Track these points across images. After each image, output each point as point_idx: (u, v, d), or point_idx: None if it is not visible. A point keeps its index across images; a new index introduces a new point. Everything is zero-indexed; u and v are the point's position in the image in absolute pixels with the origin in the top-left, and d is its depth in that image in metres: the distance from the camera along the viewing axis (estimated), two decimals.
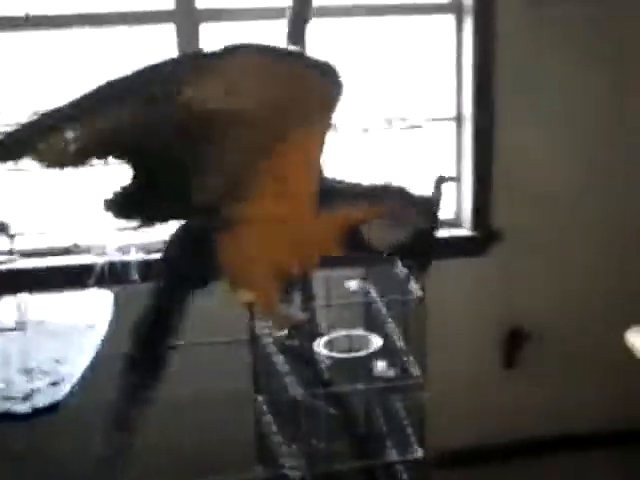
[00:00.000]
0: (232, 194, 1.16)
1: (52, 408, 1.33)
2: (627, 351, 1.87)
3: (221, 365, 2.02)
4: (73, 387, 1.37)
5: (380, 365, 1.77)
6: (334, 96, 1.12)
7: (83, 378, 1.37)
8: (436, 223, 1.28)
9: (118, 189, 1.14)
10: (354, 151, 1.51)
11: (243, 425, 1.78)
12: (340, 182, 1.25)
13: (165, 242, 1.27)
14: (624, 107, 2.45)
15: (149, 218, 1.18)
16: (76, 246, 2.23)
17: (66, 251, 2.29)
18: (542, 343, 2.59)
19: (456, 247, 2.50)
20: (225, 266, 1.22)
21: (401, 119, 1.50)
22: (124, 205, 1.14)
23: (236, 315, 1.66)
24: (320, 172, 1.21)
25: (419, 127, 1.43)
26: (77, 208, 2.28)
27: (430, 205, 1.26)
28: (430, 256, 1.30)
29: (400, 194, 1.22)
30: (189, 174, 1.12)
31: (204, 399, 2.12)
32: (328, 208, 1.20)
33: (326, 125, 1.16)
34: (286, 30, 1.63)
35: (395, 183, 1.25)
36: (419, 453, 1.58)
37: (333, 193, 1.21)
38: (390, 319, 1.73)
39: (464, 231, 2.53)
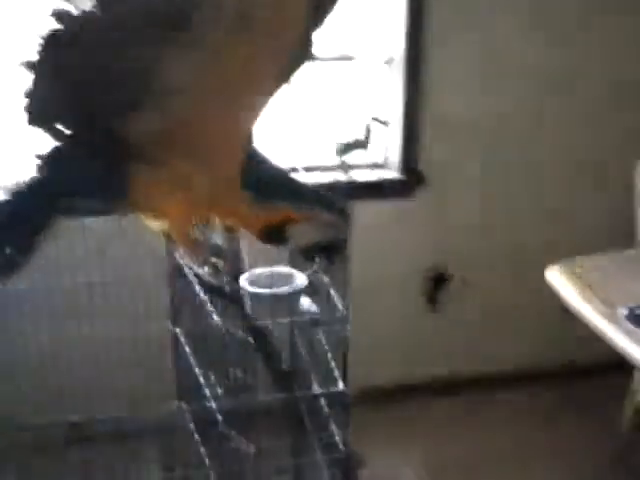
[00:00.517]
0: (162, 138, 1.11)
1: None
2: (548, 290, 1.91)
3: (142, 301, 1.98)
4: None
5: (305, 301, 1.77)
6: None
7: None
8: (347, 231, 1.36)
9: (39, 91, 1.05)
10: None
11: (165, 360, 1.76)
12: (280, 175, 1.28)
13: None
14: (549, 45, 2.47)
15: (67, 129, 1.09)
16: None
17: None
18: (465, 285, 2.64)
19: (384, 189, 2.50)
20: (137, 193, 1.17)
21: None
22: (47, 108, 1.06)
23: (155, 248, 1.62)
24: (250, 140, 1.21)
25: (351, 59, 1.40)
26: None
27: (346, 211, 1.33)
28: (334, 260, 1.38)
29: (326, 201, 1.29)
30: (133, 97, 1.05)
31: (125, 334, 2.08)
32: (266, 203, 1.22)
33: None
34: None
35: (321, 189, 1.33)
36: (341, 386, 1.59)
37: (274, 188, 1.24)
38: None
39: (392, 173, 2.53)
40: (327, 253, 1.33)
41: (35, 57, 1.04)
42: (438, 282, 2.63)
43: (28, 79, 1.07)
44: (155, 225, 1.28)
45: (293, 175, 1.32)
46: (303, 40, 1.07)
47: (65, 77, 1.06)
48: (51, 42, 1.01)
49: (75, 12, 0.99)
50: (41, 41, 1.01)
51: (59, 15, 1.00)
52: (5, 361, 2.09)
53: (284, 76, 1.12)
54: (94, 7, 0.99)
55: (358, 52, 2.38)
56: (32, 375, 2.07)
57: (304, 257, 1.38)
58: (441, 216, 2.56)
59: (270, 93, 1.13)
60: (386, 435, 2.46)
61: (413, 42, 2.37)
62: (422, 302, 2.65)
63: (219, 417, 1.43)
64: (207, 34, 1.00)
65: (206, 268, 1.68)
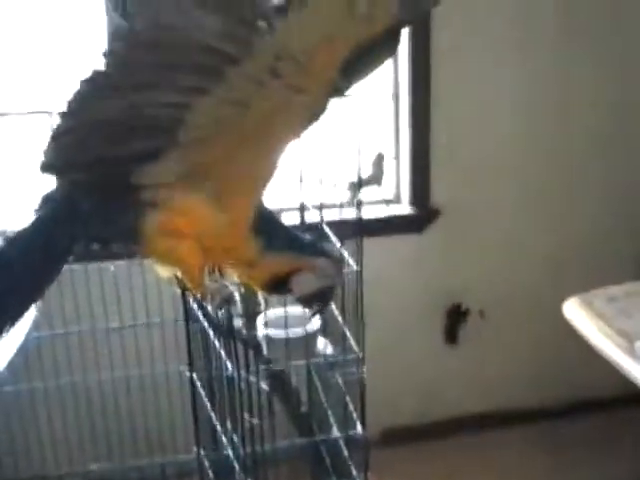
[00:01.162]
0: (179, 184, 1.10)
1: None
2: (565, 324, 1.89)
3: (158, 346, 1.98)
4: None
5: (320, 342, 1.76)
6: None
7: None
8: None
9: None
10: None
11: (183, 406, 1.75)
12: (286, 228, 1.27)
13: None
14: (564, 83, 2.48)
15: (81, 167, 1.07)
16: None
17: None
18: (482, 319, 2.62)
19: (395, 224, 2.50)
20: (151, 237, 1.17)
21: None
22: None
23: (170, 295, 1.63)
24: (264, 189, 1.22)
25: (349, 96, 1.41)
26: None
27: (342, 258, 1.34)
28: (328, 305, 1.40)
29: (324, 249, 1.29)
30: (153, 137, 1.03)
31: (143, 380, 2.08)
32: (273, 252, 1.21)
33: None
34: None
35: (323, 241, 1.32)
36: (359, 430, 1.57)
37: (280, 236, 1.23)
38: None
39: (403, 208, 2.53)
40: (323, 300, 1.33)
41: (69, 100, 1.03)
42: (456, 317, 2.61)
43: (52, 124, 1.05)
44: (167, 270, 1.29)
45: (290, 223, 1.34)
46: (328, 95, 1.08)
47: (92, 120, 1.06)
48: (87, 85, 1.01)
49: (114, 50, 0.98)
50: (80, 84, 1.00)
51: (106, 54, 0.99)
52: (26, 409, 2.09)
53: (305, 126, 1.13)
54: (129, 49, 0.99)
55: (362, 88, 2.40)
56: (52, 423, 2.06)
57: (302, 305, 1.38)
58: (455, 250, 2.55)
59: (291, 140, 1.14)
60: (407, 475, 2.43)
61: (419, 75, 2.39)
62: (440, 338, 2.63)
63: (236, 465, 1.41)
64: (241, 87, 1.00)
65: (220, 312, 1.68)
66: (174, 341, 1.93)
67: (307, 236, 1.32)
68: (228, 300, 1.48)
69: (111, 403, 2.08)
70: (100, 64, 0.99)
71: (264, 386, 1.57)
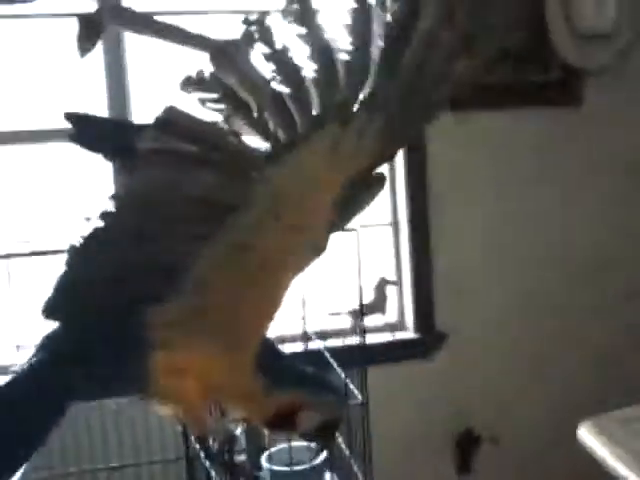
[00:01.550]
0: (179, 326, 1.11)
1: None
2: (581, 449, 1.83)
3: None
4: None
5: (328, 477, 1.70)
6: None
7: None
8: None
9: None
10: None
11: None
12: (291, 362, 1.25)
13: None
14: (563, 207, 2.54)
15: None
16: None
17: None
18: (495, 445, 2.54)
19: (401, 351, 2.48)
20: (150, 375, 1.16)
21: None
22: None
23: (171, 434, 1.59)
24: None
25: (353, 231, 1.44)
26: None
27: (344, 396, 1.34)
28: (334, 437, 1.37)
29: (327, 382, 1.26)
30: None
31: None
32: (278, 389, 1.18)
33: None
34: None
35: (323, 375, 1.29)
36: None
37: (287, 375, 1.21)
38: None
39: (408, 334, 2.51)
40: (327, 433, 1.26)
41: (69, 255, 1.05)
42: (467, 445, 2.53)
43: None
44: (169, 408, 1.26)
45: (293, 359, 1.32)
46: (326, 235, 1.10)
47: (92, 267, 1.07)
48: (87, 240, 1.03)
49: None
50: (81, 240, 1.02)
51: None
52: None
53: (309, 262, 1.15)
54: (126, 206, 1.00)
55: (361, 217, 2.45)
56: None
57: (305, 439, 1.35)
58: (464, 374, 2.51)
59: (295, 276, 1.16)
60: None
61: (417, 202, 2.44)
62: (452, 467, 2.54)
63: None
64: (242, 232, 1.03)
65: (224, 447, 1.63)
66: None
67: (310, 369, 1.31)
68: (230, 439, 1.44)
69: None
70: (99, 219, 1.02)
71: None
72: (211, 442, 1.50)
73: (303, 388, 1.22)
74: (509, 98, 2.43)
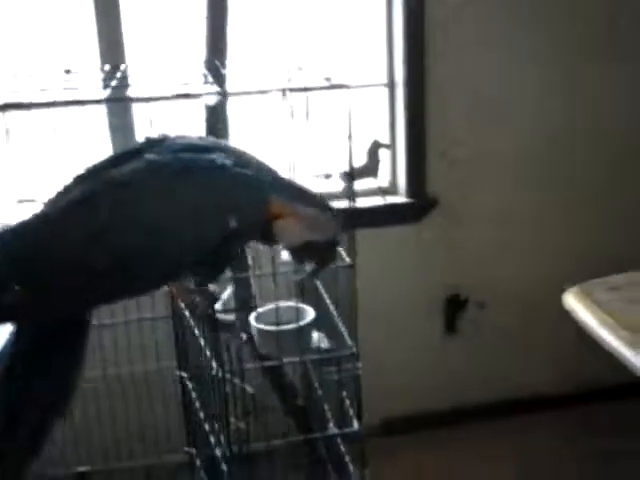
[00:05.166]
0: None
1: None
2: (565, 313, 1.86)
3: (146, 343, 1.95)
4: None
5: (316, 336, 1.72)
6: None
7: None
8: (340, 235, 1.36)
9: None
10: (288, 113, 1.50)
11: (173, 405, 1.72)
12: (271, 172, 1.28)
13: None
14: (562, 65, 2.43)
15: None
16: None
17: None
18: (481, 309, 2.59)
19: (393, 215, 2.47)
20: None
21: (326, 80, 1.43)
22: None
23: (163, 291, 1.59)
24: None
25: (347, 88, 1.37)
26: None
27: (340, 218, 1.33)
28: (330, 262, 1.38)
29: (319, 203, 1.30)
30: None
31: (131, 379, 2.04)
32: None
33: None
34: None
35: (315, 191, 1.33)
36: (356, 426, 1.54)
37: (264, 183, 1.23)
38: (322, 289, 1.67)
39: (400, 198, 2.49)
40: (317, 256, 1.32)
41: None
42: (455, 307, 2.58)
43: None
44: None
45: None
46: None
47: None
48: None
49: None
50: None
51: None
52: None
53: None
54: None
55: (356, 78, 2.36)
56: None
57: (294, 259, 1.35)
58: (453, 239, 2.51)
59: None
60: (407, 464, 2.40)
61: (414, 63, 2.34)
62: (440, 328, 2.60)
63: (224, 466, 1.38)
64: None
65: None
66: (168, 338, 1.90)
67: (304, 187, 1.30)
68: (213, 302, 1.44)
69: (105, 402, 2.05)
70: None
71: (249, 388, 1.54)
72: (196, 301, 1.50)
73: (283, 197, 1.23)
74: None
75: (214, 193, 1.14)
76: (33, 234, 1.11)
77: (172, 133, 1.28)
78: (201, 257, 1.15)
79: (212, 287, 1.41)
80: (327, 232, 1.28)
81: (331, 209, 1.30)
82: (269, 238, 1.27)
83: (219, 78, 1.54)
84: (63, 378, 1.18)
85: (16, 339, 1.16)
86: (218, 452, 1.39)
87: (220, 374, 1.36)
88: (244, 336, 1.53)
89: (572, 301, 1.77)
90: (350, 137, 1.43)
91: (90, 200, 1.11)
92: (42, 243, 1.09)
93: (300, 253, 1.32)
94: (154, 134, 1.28)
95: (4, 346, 1.16)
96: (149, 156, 1.16)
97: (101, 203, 1.10)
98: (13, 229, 1.12)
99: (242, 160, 1.23)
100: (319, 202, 1.29)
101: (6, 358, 1.16)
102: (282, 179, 1.29)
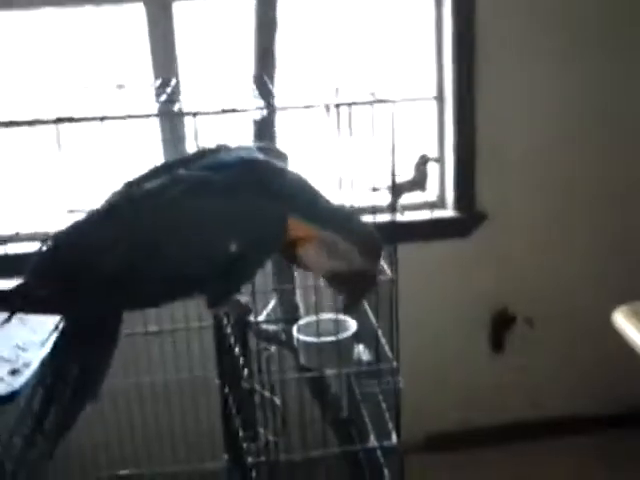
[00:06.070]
0: None
1: (9, 398, 1.28)
2: (615, 333, 1.82)
3: (187, 352, 1.98)
4: (29, 378, 1.32)
5: (359, 349, 1.72)
6: None
7: (41, 367, 1.33)
8: (376, 268, 1.29)
9: None
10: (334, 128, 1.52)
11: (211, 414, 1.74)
12: (297, 191, 1.25)
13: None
14: (611, 82, 2.39)
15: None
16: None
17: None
18: (529, 326, 2.55)
19: (440, 229, 2.46)
20: None
21: (371, 94, 1.44)
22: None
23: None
24: None
25: (392, 102, 1.38)
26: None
27: (375, 248, 1.26)
28: (361, 298, 1.35)
29: (347, 229, 1.24)
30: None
31: (171, 387, 2.08)
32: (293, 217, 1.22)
33: None
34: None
35: (348, 213, 1.32)
36: (394, 440, 1.54)
37: (291, 203, 1.22)
38: (366, 302, 1.67)
39: (448, 212, 2.48)
40: (349, 287, 1.26)
41: None
42: (502, 324, 2.55)
43: None
44: None
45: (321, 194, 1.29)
46: None
47: None
48: None
49: None
50: None
51: None
52: None
53: None
54: None
55: (404, 92, 2.37)
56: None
57: (330, 286, 1.33)
58: (501, 255, 2.49)
59: None
60: None
61: (463, 75, 2.34)
62: (487, 345, 2.57)
63: (253, 474, 1.40)
64: None
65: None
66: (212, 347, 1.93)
67: (346, 211, 1.28)
68: (244, 314, 1.46)
69: (148, 407, 2.09)
70: None
71: (277, 401, 1.55)
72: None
73: (320, 224, 1.21)
74: None
75: (217, 216, 1.15)
76: (66, 237, 1.20)
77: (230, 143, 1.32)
78: (202, 277, 1.16)
79: (244, 299, 1.43)
80: (351, 262, 1.22)
81: (360, 235, 1.24)
82: (296, 262, 1.26)
83: (266, 93, 1.56)
84: (93, 366, 1.27)
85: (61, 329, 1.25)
86: (250, 461, 1.40)
87: (249, 385, 1.37)
88: (272, 349, 1.54)
89: (622, 320, 1.74)
90: (394, 151, 1.43)
91: (110, 210, 1.19)
92: (73, 244, 1.18)
93: (331, 282, 1.28)
94: (210, 144, 1.32)
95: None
96: (180, 171, 1.20)
97: (117, 214, 1.17)
98: (63, 230, 1.22)
99: (277, 176, 1.24)
100: (348, 227, 1.23)
101: (52, 345, 1.26)
102: (323, 202, 1.25)
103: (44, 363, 1.31)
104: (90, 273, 1.14)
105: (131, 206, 1.18)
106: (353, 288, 1.27)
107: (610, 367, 2.52)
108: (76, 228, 1.20)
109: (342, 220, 1.24)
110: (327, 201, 1.27)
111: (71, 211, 1.47)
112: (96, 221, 1.19)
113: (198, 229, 1.14)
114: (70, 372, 1.24)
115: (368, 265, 1.24)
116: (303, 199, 1.22)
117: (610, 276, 2.51)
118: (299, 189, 1.24)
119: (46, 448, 1.26)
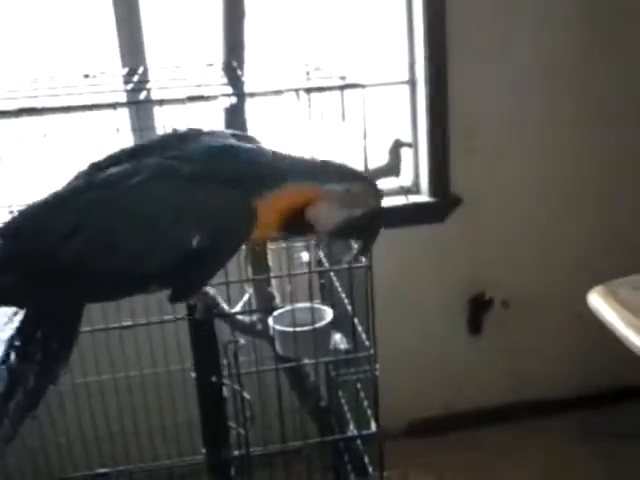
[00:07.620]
0: None
1: None
2: (592, 313, 1.82)
3: (163, 345, 1.96)
4: None
5: (337, 338, 1.71)
6: None
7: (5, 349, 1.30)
8: (381, 202, 1.27)
9: None
10: (304, 113, 1.49)
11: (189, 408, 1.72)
12: (287, 157, 1.22)
13: None
14: (586, 65, 2.39)
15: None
16: None
17: None
18: (506, 308, 2.56)
19: (415, 214, 2.44)
20: None
21: (341, 78, 1.42)
22: None
23: None
24: None
25: (362, 87, 1.35)
26: None
27: (376, 185, 1.25)
28: (376, 235, 1.29)
29: (347, 173, 1.22)
30: None
31: (148, 380, 2.06)
32: (275, 188, 1.17)
33: None
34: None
35: (340, 161, 1.24)
36: (373, 427, 1.53)
37: (281, 170, 1.18)
38: (341, 290, 1.66)
39: (423, 197, 2.47)
40: (362, 231, 1.24)
41: None
42: (479, 307, 2.55)
43: None
44: None
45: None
46: None
47: None
48: None
49: None
50: None
51: None
52: None
53: None
54: None
55: (375, 76, 2.35)
56: (56, 425, 2.03)
57: (339, 242, 1.30)
58: (477, 238, 2.48)
59: None
60: (434, 466, 2.38)
61: (435, 60, 2.31)
62: (464, 328, 2.57)
63: (232, 469, 1.38)
64: None
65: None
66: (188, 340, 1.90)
67: (330, 161, 1.24)
68: (211, 306, 1.44)
69: (125, 403, 2.06)
70: None
71: (246, 395, 1.53)
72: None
73: (317, 181, 1.16)
74: None
75: (178, 207, 1.10)
76: (24, 223, 1.17)
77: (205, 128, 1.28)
78: (162, 271, 1.12)
79: (211, 291, 1.41)
80: (363, 203, 1.20)
81: (362, 177, 1.22)
82: (302, 229, 1.22)
83: (235, 79, 1.53)
84: (54, 353, 1.28)
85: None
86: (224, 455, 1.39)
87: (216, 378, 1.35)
88: (241, 340, 1.52)
89: (597, 300, 1.74)
90: (365, 136, 1.41)
91: (67, 198, 1.15)
92: (27, 234, 1.14)
93: (343, 235, 1.25)
94: (179, 129, 1.28)
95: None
96: (147, 160, 1.16)
97: (73, 204, 1.13)
98: (16, 217, 1.19)
99: (253, 152, 1.21)
100: (347, 173, 1.21)
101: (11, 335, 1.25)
102: (303, 161, 1.23)
103: (8, 345, 1.28)
104: (45, 264, 1.11)
105: (89, 194, 1.13)
106: (368, 230, 1.25)
107: (587, 348, 2.53)
108: (31, 217, 1.16)
109: (342, 167, 1.23)
110: (314, 159, 1.25)
111: (11, 212, 1.44)
112: (53, 208, 1.14)
113: (156, 221, 1.09)
114: (33, 356, 1.25)
115: (380, 202, 1.24)
116: (295, 163, 1.20)
117: (585, 257, 2.52)
118: (281, 158, 1.21)
119: (9, 431, 1.26)
